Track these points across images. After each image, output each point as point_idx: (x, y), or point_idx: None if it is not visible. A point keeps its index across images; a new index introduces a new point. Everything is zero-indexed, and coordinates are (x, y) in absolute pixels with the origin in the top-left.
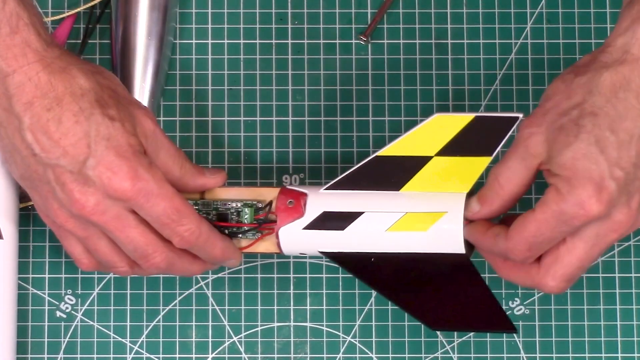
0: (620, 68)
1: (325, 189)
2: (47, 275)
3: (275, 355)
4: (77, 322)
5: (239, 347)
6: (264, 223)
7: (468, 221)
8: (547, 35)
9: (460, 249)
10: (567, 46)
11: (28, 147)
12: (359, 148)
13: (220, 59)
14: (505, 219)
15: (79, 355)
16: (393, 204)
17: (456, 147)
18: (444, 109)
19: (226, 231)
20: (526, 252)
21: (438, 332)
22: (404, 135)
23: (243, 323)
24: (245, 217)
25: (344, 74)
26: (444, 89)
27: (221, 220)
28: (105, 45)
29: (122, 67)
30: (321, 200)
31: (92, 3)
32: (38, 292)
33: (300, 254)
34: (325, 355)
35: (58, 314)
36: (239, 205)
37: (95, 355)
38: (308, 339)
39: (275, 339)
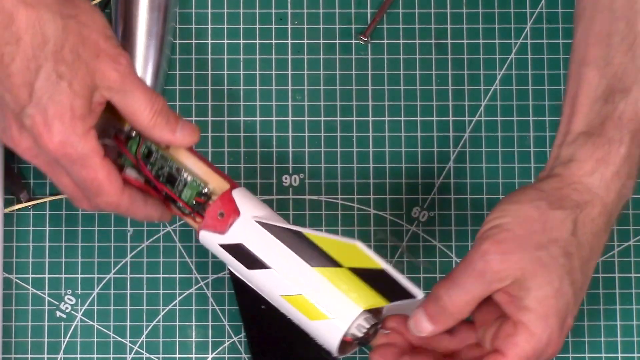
0: (592, 211)
1: (258, 221)
2: (47, 276)
3: None
4: (77, 322)
5: (239, 347)
6: (196, 211)
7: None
8: (547, 35)
9: (333, 352)
10: (567, 46)
11: None
12: (359, 148)
13: (220, 59)
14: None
15: (78, 356)
16: (299, 277)
17: (364, 274)
18: (444, 109)
19: (164, 193)
20: None
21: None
22: (327, 236)
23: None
24: (185, 194)
25: (343, 74)
26: (443, 89)
27: (170, 180)
28: None
29: None
30: (246, 231)
31: (92, 3)
32: (38, 292)
33: None
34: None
35: (58, 314)
36: (189, 179)
37: (95, 356)
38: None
39: None
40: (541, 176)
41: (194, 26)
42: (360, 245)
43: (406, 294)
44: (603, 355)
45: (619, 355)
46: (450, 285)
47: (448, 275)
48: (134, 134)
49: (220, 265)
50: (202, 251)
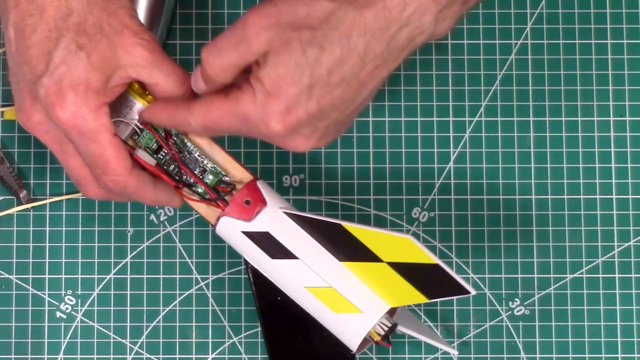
0: (366, 12)
1: (285, 212)
2: (47, 276)
3: None
4: (77, 322)
5: (239, 347)
6: (218, 198)
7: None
8: (547, 35)
9: (352, 347)
10: (567, 46)
11: (10, 42)
12: (359, 149)
13: None
14: None
15: (79, 356)
16: (327, 270)
17: (406, 270)
18: (444, 109)
19: (184, 177)
20: (202, 132)
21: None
22: (374, 229)
23: (243, 324)
24: (207, 179)
25: None
26: (444, 89)
27: (188, 165)
28: None
29: None
30: (274, 219)
31: None
32: (38, 292)
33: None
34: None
35: (58, 314)
36: (209, 166)
37: (95, 356)
38: None
39: None
40: None
41: (194, 26)
42: (412, 239)
43: (457, 290)
44: (603, 355)
45: (619, 355)
46: (211, 49)
47: (214, 39)
48: None
49: (220, 266)
50: (202, 252)
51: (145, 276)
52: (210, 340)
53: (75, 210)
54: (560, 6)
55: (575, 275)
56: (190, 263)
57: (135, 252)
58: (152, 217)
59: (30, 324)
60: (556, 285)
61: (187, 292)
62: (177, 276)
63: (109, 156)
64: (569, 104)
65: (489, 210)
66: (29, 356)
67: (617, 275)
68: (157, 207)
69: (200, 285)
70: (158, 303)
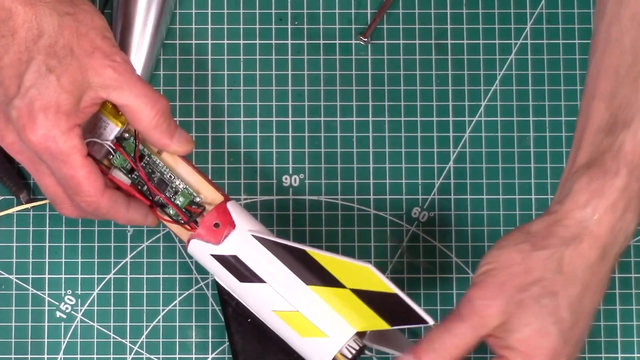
0: (580, 246)
1: (254, 235)
2: (47, 276)
3: None
4: (77, 322)
5: None
6: (189, 220)
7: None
8: (547, 35)
9: None
10: (567, 46)
11: None
12: (359, 149)
13: (220, 60)
14: None
15: (79, 356)
16: (294, 294)
17: (368, 297)
18: (443, 109)
19: (156, 198)
20: None
21: None
22: (336, 257)
23: None
24: (179, 201)
25: (343, 75)
26: (443, 89)
27: (160, 186)
28: None
29: None
30: (242, 243)
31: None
32: (38, 292)
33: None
34: None
35: (58, 314)
36: (181, 187)
37: (95, 356)
38: None
39: None
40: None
41: (194, 26)
42: (372, 268)
43: (416, 320)
44: (603, 355)
45: (619, 355)
46: (444, 332)
47: (442, 321)
48: (126, 135)
49: None
50: None
51: (145, 276)
52: (210, 340)
53: None
54: (560, 6)
55: None
56: (190, 263)
57: (135, 252)
58: None
59: (30, 324)
60: None
61: (187, 292)
62: (177, 276)
63: (80, 178)
64: (568, 104)
65: (488, 210)
66: (29, 356)
67: (617, 275)
68: (163, 226)
69: (200, 285)
70: (158, 303)
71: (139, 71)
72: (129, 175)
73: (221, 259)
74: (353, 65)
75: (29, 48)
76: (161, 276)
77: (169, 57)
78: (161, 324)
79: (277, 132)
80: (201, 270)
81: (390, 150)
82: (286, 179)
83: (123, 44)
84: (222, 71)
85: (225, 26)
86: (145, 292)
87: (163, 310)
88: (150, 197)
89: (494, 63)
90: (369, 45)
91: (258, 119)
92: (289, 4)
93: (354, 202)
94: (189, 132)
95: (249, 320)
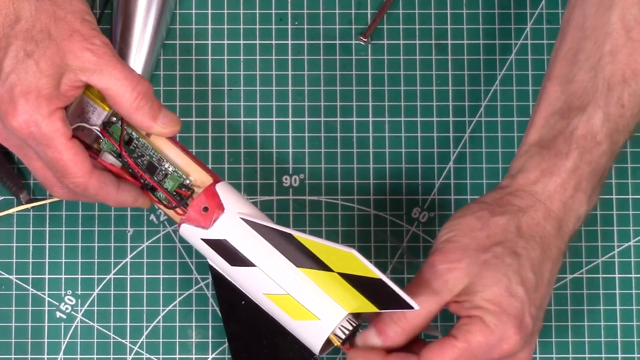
0: (536, 215)
1: (243, 218)
2: (47, 276)
3: None
4: (77, 322)
5: None
6: (178, 204)
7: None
8: (547, 35)
9: (315, 351)
10: None
11: None
12: (359, 149)
13: (220, 60)
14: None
15: (78, 356)
16: (284, 277)
17: (356, 281)
18: (444, 109)
19: (146, 182)
20: None
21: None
22: (320, 241)
23: None
24: (168, 185)
25: (343, 75)
26: (444, 89)
27: (149, 169)
28: None
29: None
30: (231, 226)
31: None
32: (38, 292)
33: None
34: (325, 355)
35: (58, 314)
36: (170, 170)
37: (95, 356)
38: None
39: None
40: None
41: (194, 27)
42: (356, 254)
43: (402, 304)
44: (603, 355)
45: (619, 355)
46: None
47: (403, 290)
48: (114, 119)
49: None
50: None
51: (145, 276)
52: (210, 340)
53: (75, 210)
54: (560, 6)
55: (575, 275)
56: (190, 263)
57: (135, 252)
58: (152, 217)
59: (30, 324)
60: (556, 286)
61: (187, 292)
62: (177, 276)
63: (66, 160)
64: None
65: None
66: (29, 356)
67: (617, 276)
68: (156, 207)
69: (200, 285)
70: (158, 303)
71: (139, 71)
72: (119, 159)
73: (212, 243)
74: (353, 66)
75: (7, 34)
76: (161, 276)
77: (169, 58)
78: (161, 324)
79: (277, 133)
80: (201, 270)
81: (391, 151)
82: (286, 179)
83: (123, 44)
84: (222, 71)
85: (226, 26)
86: (145, 292)
87: (163, 310)
88: (143, 181)
89: (494, 63)
90: (369, 45)
91: (258, 119)
92: (289, 4)
93: (354, 202)
94: (188, 132)
95: (243, 302)
